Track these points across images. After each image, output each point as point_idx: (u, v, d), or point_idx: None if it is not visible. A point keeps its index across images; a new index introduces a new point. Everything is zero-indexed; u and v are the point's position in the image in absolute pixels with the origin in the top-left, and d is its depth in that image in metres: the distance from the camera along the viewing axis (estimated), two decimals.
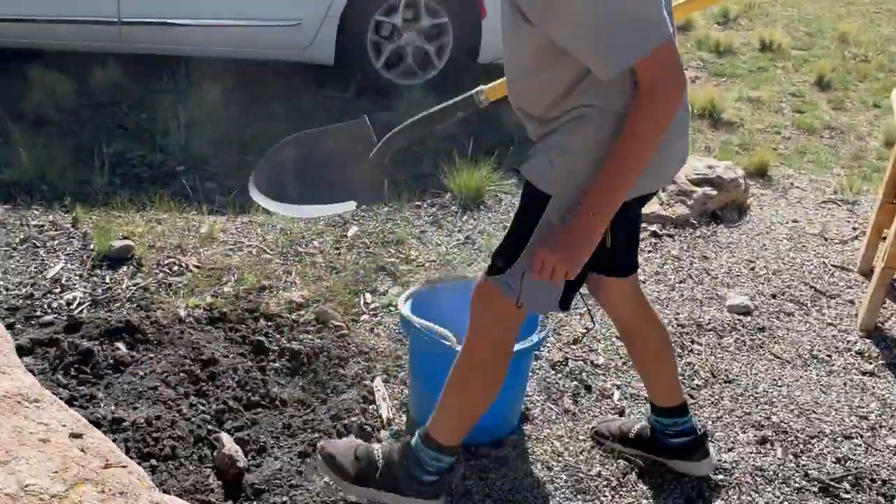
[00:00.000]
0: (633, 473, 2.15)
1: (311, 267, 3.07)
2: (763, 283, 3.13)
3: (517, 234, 1.75)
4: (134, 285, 2.82)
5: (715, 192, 3.67)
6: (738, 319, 2.89)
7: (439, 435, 1.90)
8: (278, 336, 2.60)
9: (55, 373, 2.28)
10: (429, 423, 1.91)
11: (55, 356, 2.34)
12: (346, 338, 2.65)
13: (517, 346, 2.09)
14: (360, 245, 3.29)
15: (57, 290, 2.74)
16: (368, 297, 2.92)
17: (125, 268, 2.92)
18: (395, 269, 3.11)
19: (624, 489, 2.11)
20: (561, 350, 2.67)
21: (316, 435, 2.19)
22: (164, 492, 1.83)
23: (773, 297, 3.04)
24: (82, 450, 1.66)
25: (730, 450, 2.26)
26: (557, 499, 2.07)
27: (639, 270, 2.03)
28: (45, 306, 2.64)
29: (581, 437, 2.29)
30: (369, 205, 2.05)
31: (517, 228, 1.75)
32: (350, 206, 2.06)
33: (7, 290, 2.71)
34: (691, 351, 2.71)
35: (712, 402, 2.46)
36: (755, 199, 3.86)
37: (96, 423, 1.99)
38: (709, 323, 2.86)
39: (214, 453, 2.08)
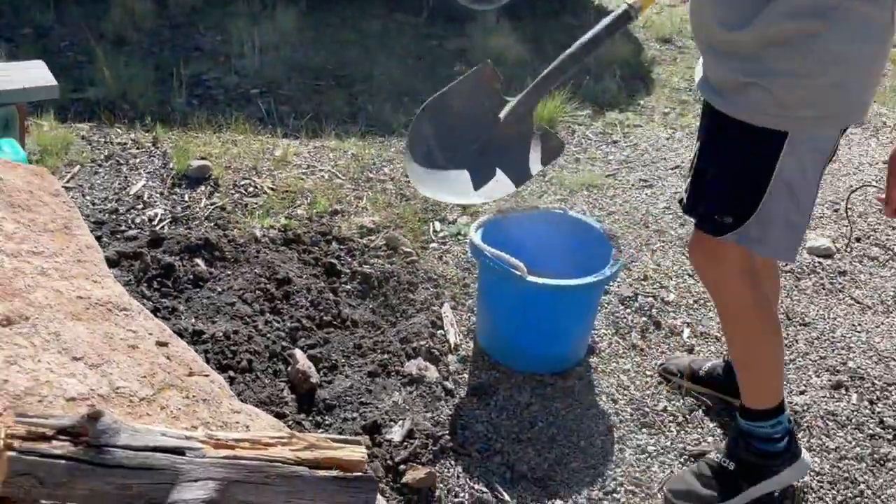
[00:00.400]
0: (700, 411, 2.14)
1: (382, 193, 3.09)
2: (847, 226, 3.00)
3: (735, 181, 1.57)
4: (211, 204, 2.90)
5: None
6: (819, 262, 2.79)
7: (759, 403, 1.79)
8: (349, 259, 2.64)
9: (139, 285, 2.38)
10: (742, 399, 1.82)
11: (139, 269, 2.44)
12: (416, 264, 2.68)
13: (587, 279, 2.08)
14: None
15: (139, 207, 2.84)
16: (437, 225, 2.93)
17: (203, 187, 3.00)
18: None
19: (690, 426, 2.10)
20: (631, 286, 2.64)
21: (386, 356, 2.24)
22: (242, 402, 1.92)
23: (858, 240, 2.92)
24: (168, 357, 1.74)
25: (802, 393, 2.22)
26: (622, 431, 2.08)
27: None
28: (129, 221, 2.74)
29: (648, 373, 2.28)
30: (545, 166, 1.79)
31: (733, 175, 1.57)
32: (511, 188, 1.86)
33: (93, 204, 2.82)
34: None
35: (786, 344, 2.41)
36: (844, 139, 3.67)
37: (178, 335, 2.08)
38: (786, 264, 2.77)
39: (288, 368, 2.15)
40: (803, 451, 1.85)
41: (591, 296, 2.21)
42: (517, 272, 2.06)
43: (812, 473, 1.95)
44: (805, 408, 2.17)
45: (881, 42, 1.45)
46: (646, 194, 3.20)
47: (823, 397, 2.21)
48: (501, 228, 2.30)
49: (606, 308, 2.52)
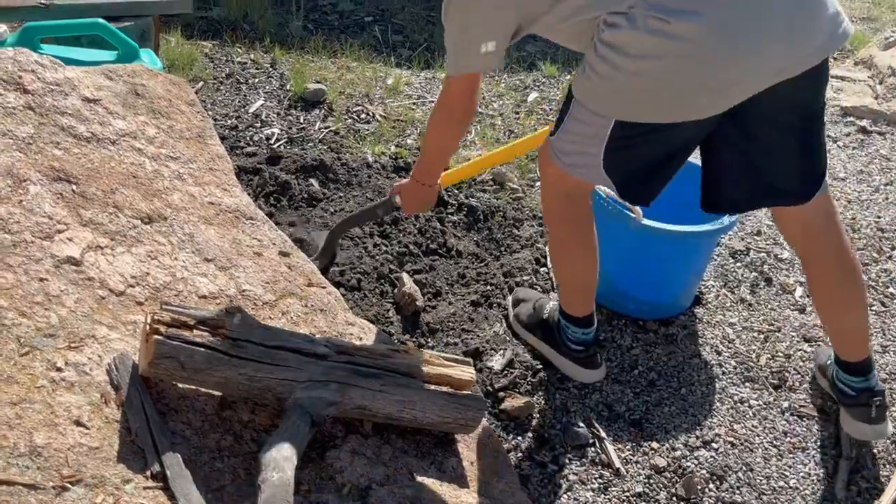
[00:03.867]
0: (805, 373, 2.08)
1: (491, 128, 3.07)
2: None
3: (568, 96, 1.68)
4: (325, 128, 2.96)
5: None
6: None
7: (567, 307, 1.97)
8: (457, 192, 2.66)
9: (257, 199, 2.48)
10: (559, 295, 2.01)
11: (258, 184, 2.53)
12: (521, 201, 2.68)
13: (702, 227, 2.03)
14: (540, 111, 3.24)
15: (258, 125, 2.93)
16: None
17: (317, 110, 3.06)
18: None
19: (794, 384, 2.05)
20: (743, 240, 2.56)
21: (489, 287, 2.27)
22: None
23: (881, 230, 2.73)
24: (289, 267, 1.82)
25: None
26: (724, 383, 2.05)
27: (827, 200, 1.72)
28: (248, 138, 2.84)
29: (755, 328, 2.22)
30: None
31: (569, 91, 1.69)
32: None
33: (215, 120, 2.92)
34: (890, 258, 2.51)
35: None
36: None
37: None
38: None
39: (395, 290, 2.21)
40: (599, 370, 2.00)
41: (704, 245, 2.15)
42: (632, 215, 2.03)
43: None
44: None
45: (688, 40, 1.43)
46: None
47: None
48: None
49: (716, 260, 2.46)
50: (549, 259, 2.03)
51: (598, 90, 1.56)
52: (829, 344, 1.95)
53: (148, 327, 1.29)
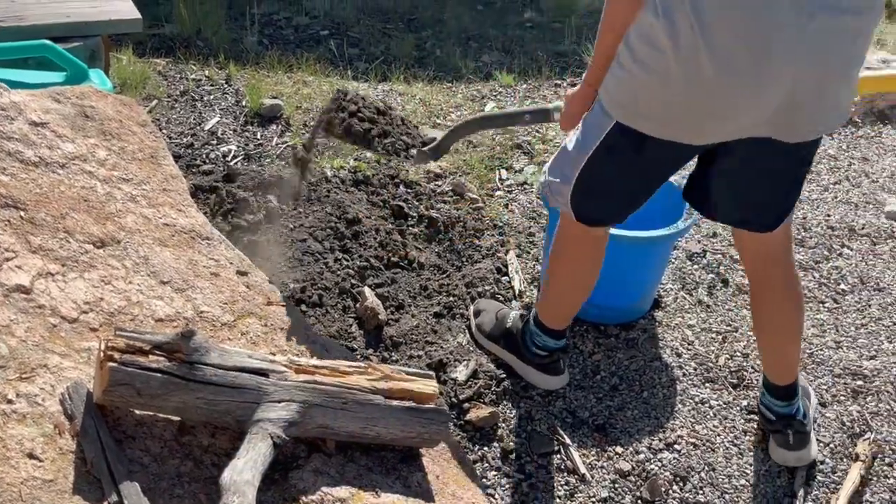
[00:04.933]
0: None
1: None
2: None
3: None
4: (283, 143, 2.94)
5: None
6: None
7: (544, 318, 1.98)
8: (417, 203, 2.67)
9: (215, 217, 2.45)
10: (536, 304, 2.01)
11: (215, 203, 2.50)
12: (482, 211, 2.69)
13: (659, 232, 2.06)
14: None
15: (214, 143, 2.90)
16: (504, 173, 2.92)
17: (274, 126, 3.04)
18: (531, 147, 3.08)
19: (752, 384, 2.09)
20: (700, 242, 2.61)
21: (451, 298, 2.27)
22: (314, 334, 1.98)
23: None
24: (247, 286, 1.81)
25: (872, 357, 2.19)
26: (685, 384, 2.09)
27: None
28: (204, 156, 2.81)
29: (714, 329, 2.26)
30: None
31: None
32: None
33: (170, 138, 2.89)
34: (840, 255, 2.58)
35: (858, 309, 2.36)
36: None
37: None
38: (863, 228, 2.69)
39: (357, 305, 2.21)
40: (561, 376, 2.02)
41: (662, 249, 2.19)
42: None
43: (879, 438, 1.93)
44: (875, 372, 2.13)
45: (676, 59, 1.42)
46: None
47: (894, 363, 2.17)
48: None
49: (674, 263, 2.50)
50: (543, 269, 1.99)
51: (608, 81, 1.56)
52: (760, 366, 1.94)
53: (102, 354, 1.27)
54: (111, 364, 1.25)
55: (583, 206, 1.73)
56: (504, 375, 2.04)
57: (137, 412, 1.35)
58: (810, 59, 1.39)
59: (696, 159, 1.70)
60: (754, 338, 2.22)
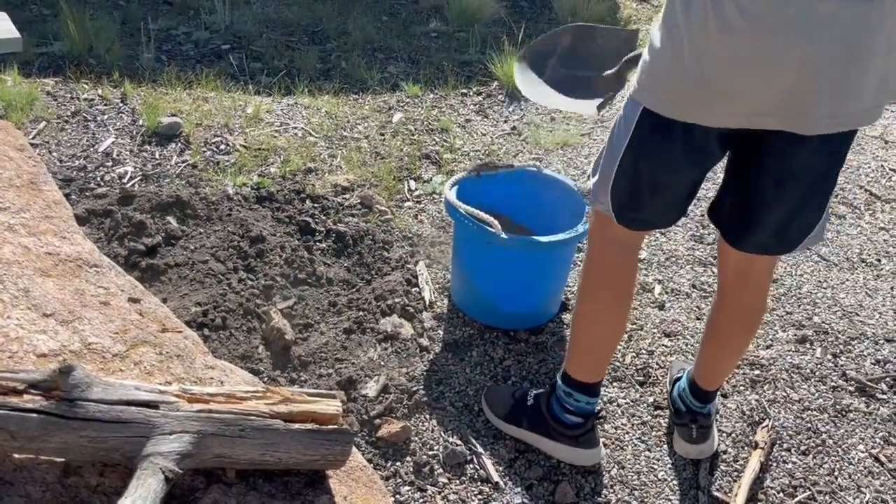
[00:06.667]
0: (665, 367, 2.19)
1: (356, 152, 3.06)
2: None
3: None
4: (182, 162, 2.85)
5: None
6: None
7: (573, 370, 1.82)
8: (324, 218, 2.63)
9: (110, 242, 2.35)
10: (565, 360, 1.85)
11: (110, 227, 2.40)
12: (391, 222, 2.68)
13: (560, 236, 2.09)
14: (405, 132, 3.26)
15: (109, 164, 2.79)
16: (412, 184, 2.92)
17: (173, 144, 2.95)
18: (439, 157, 3.09)
19: (658, 381, 2.14)
20: None
21: (361, 313, 2.25)
22: (217, 358, 1.92)
23: None
24: (140, 314, 1.73)
25: (768, 347, 2.28)
26: None
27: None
28: (98, 179, 2.69)
29: None
30: (600, 113, 1.94)
31: None
32: (591, 108, 1.93)
33: (61, 161, 2.76)
34: None
35: None
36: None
37: None
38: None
39: (263, 326, 2.15)
40: (596, 449, 1.85)
41: (564, 252, 2.22)
42: (491, 229, 2.07)
43: (777, 424, 2.01)
44: (771, 361, 2.22)
45: (688, 34, 1.41)
46: None
47: (789, 351, 2.27)
48: (476, 187, 2.30)
49: (580, 266, 2.54)
50: (571, 314, 1.86)
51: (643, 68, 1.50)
52: (692, 362, 1.97)
53: None
54: None
55: (624, 205, 1.61)
56: (416, 389, 2.02)
57: (16, 456, 1.27)
58: (819, 41, 1.34)
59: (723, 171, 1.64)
60: (659, 335, 2.29)
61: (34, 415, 1.21)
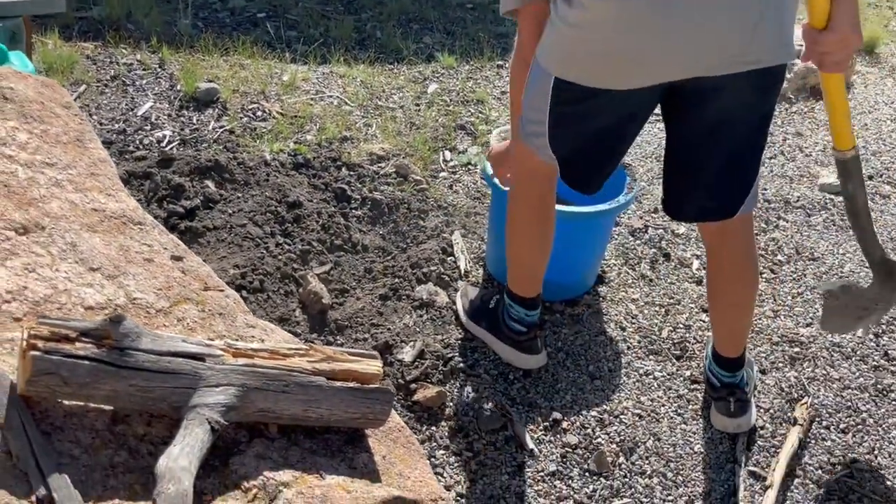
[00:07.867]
0: (704, 341, 2.17)
1: (392, 121, 3.05)
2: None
3: None
4: (220, 127, 2.87)
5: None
6: (830, 199, 2.78)
7: (513, 287, 1.99)
8: (360, 185, 2.63)
9: (150, 204, 2.37)
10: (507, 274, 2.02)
11: (149, 189, 2.42)
12: (426, 192, 2.67)
13: (600, 206, 2.07)
14: (440, 102, 3.25)
15: (147, 128, 2.81)
16: (447, 154, 2.90)
17: (211, 110, 2.96)
18: (474, 128, 3.07)
19: (695, 354, 2.12)
20: (641, 218, 2.64)
21: (396, 280, 2.25)
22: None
23: (870, 178, 2.91)
24: (183, 272, 1.75)
25: (808, 325, 2.24)
26: (629, 357, 2.11)
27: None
28: (138, 142, 2.71)
29: (657, 302, 2.29)
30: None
31: None
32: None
33: (101, 124, 2.78)
34: (777, 227, 2.64)
35: (794, 279, 2.42)
36: (860, 77, 3.62)
37: None
38: (798, 200, 2.76)
39: (300, 290, 2.16)
40: (537, 356, 2.01)
41: (603, 224, 2.20)
42: None
43: (816, 402, 1.99)
44: (811, 339, 2.19)
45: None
46: (658, 128, 3.16)
47: None
48: None
49: (616, 239, 2.52)
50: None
51: (545, 39, 1.59)
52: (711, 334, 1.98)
53: (25, 343, 1.21)
54: (34, 353, 1.19)
55: (561, 152, 1.68)
56: (451, 355, 2.03)
57: (66, 403, 1.29)
58: None
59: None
60: (697, 310, 2.26)
61: (86, 362, 1.22)
